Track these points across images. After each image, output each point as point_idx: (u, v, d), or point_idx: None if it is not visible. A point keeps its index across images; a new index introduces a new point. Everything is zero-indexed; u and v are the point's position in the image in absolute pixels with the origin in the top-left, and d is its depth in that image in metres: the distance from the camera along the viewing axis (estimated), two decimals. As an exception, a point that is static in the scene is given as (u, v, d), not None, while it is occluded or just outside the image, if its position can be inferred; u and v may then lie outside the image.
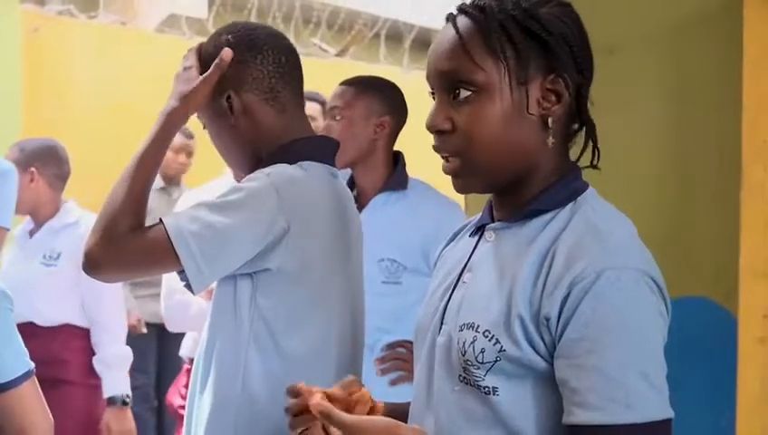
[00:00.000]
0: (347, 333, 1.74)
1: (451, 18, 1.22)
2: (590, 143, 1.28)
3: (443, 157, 1.23)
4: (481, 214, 1.31)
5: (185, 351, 3.28)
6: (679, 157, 2.43)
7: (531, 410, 1.16)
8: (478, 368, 1.16)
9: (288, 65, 1.75)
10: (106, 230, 1.57)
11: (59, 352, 3.36)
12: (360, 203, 2.44)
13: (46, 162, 3.43)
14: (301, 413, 1.22)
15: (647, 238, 2.42)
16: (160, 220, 1.56)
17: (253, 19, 5.87)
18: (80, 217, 3.40)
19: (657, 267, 1.17)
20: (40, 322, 3.37)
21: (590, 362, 1.09)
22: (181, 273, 1.56)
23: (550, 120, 1.19)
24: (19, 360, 1.91)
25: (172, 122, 1.68)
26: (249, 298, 1.64)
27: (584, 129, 1.27)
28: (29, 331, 3.36)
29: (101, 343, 3.35)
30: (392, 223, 2.37)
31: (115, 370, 3.35)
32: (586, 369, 1.09)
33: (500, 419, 1.16)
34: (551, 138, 1.20)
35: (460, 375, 1.19)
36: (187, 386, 3.12)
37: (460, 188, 1.25)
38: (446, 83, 1.21)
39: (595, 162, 1.27)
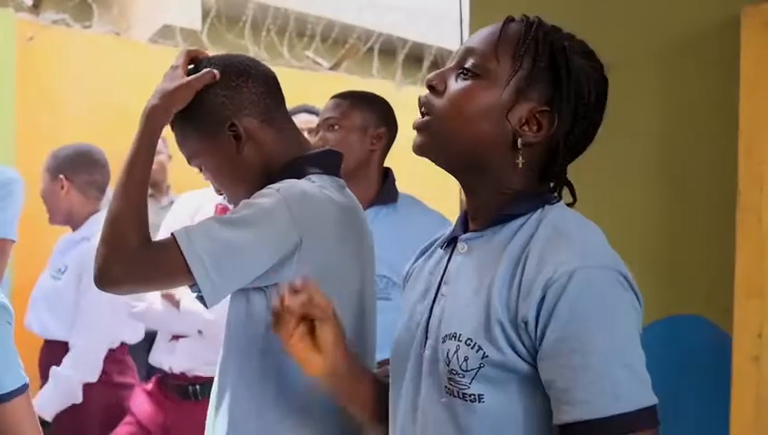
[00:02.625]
0: (358, 345, 1.74)
1: (507, 19, 1.31)
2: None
3: (421, 112, 1.31)
4: (453, 227, 1.37)
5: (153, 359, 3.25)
6: (675, 176, 2.45)
7: (517, 414, 1.20)
8: (463, 376, 1.20)
9: (274, 85, 1.77)
10: (115, 245, 1.55)
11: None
12: None
13: (76, 169, 3.35)
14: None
15: (643, 256, 2.45)
16: (172, 235, 1.55)
17: (247, 32, 5.89)
18: (97, 230, 3.34)
19: (624, 264, 1.22)
20: (42, 334, 3.36)
21: (574, 360, 1.14)
22: (193, 286, 1.56)
23: (519, 141, 1.25)
24: (14, 374, 1.89)
25: (154, 120, 1.65)
26: (264, 312, 1.63)
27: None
28: (34, 343, 3.37)
29: (65, 359, 3.26)
30: (382, 238, 2.38)
31: (51, 388, 3.23)
32: (571, 367, 1.14)
33: (487, 426, 1.20)
34: (520, 158, 1.25)
35: (446, 386, 1.23)
36: (150, 394, 3.13)
37: (416, 145, 1.30)
38: (464, 57, 1.29)
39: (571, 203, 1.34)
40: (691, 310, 2.40)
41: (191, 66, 1.73)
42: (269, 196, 1.61)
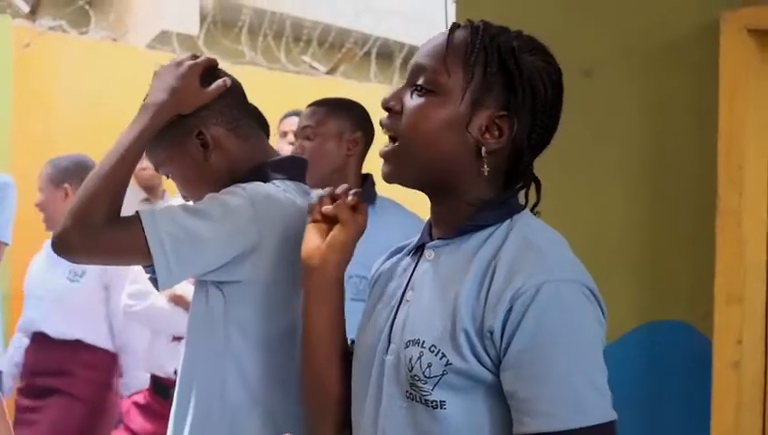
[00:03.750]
0: None
1: (452, 27, 1.30)
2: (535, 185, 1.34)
3: (388, 136, 1.31)
4: (420, 234, 1.37)
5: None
6: (655, 181, 2.44)
7: (479, 423, 1.20)
8: (425, 383, 1.20)
9: (241, 94, 1.80)
10: (82, 216, 1.55)
11: (66, 365, 3.38)
12: None
13: (80, 178, 3.42)
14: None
15: (623, 261, 2.45)
16: (137, 213, 1.56)
17: (243, 36, 5.91)
18: None
19: (590, 277, 1.23)
20: (52, 333, 3.41)
21: (537, 371, 1.14)
22: (148, 267, 1.58)
23: (483, 150, 1.25)
24: None
25: (160, 115, 1.66)
26: (223, 309, 1.66)
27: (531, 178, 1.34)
28: (39, 340, 3.43)
29: (126, 367, 3.37)
30: (361, 240, 2.41)
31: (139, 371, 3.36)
32: (534, 379, 1.14)
33: (448, 433, 1.20)
34: (485, 166, 1.25)
35: (407, 392, 1.23)
36: (142, 406, 3.16)
37: (386, 173, 1.31)
38: (415, 75, 1.29)
39: (532, 208, 1.34)
40: (672, 315, 2.39)
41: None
42: (235, 193, 1.65)
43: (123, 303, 3.16)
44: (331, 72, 6.10)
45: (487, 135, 1.26)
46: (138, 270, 3.13)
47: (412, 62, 1.31)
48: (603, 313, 1.22)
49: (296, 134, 2.68)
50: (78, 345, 3.41)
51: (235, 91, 1.77)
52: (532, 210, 1.33)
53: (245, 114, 1.79)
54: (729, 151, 2.24)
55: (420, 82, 1.27)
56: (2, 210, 3.16)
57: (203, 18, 6.19)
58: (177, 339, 3.09)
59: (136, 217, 1.56)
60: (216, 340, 1.66)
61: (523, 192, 1.34)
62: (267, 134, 2.47)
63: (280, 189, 1.71)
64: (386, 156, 1.30)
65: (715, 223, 2.25)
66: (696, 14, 2.35)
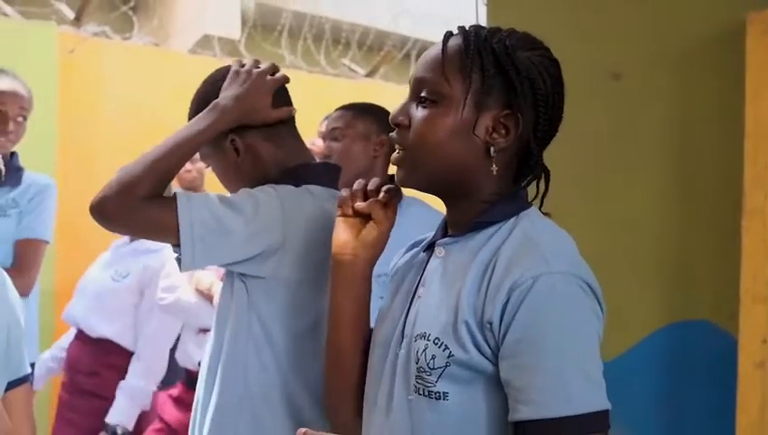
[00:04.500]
0: None
1: (446, 36, 1.33)
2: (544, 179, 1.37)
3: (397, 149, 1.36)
4: (434, 232, 1.42)
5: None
6: (682, 182, 2.46)
7: (480, 412, 1.24)
8: (430, 374, 1.25)
9: (281, 98, 1.84)
10: (125, 188, 1.62)
11: (94, 365, 3.46)
12: None
13: None
14: None
15: (650, 261, 2.47)
16: (174, 195, 1.63)
17: (284, 40, 5.97)
18: (163, 245, 3.40)
19: (591, 273, 1.26)
20: (88, 331, 3.50)
21: (530, 361, 1.18)
22: (176, 247, 1.64)
23: (492, 150, 1.29)
24: (20, 365, 1.95)
25: (223, 121, 1.74)
26: (246, 301, 1.72)
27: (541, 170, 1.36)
28: (80, 337, 3.53)
29: (131, 371, 3.44)
30: (389, 239, 2.45)
31: (126, 400, 3.40)
32: (527, 368, 1.18)
33: (450, 423, 1.25)
34: (494, 165, 1.30)
35: (414, 385, 1.28)
36: (177, 399, 3.22)
37: (399, 179, 1.37)
38: (417, 88, 1.33)
39: (542, 198, 1.37)
40: (699, 315, 2.41)
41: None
42: (267, 192, 1.71)
43: (157, 296, 3.25)
44: (370, 74, 6.13)
45: (495, 135, 1.30)
46: (171, 266, 3.21)
47: (412, 75, 1.35)
48: (601, 306, 1.25)
49: (324, 136, 2.74)
50: (109, 345, 3.48)
51: (275, 97, 1.82)
52: (542, 200, 1.36)
53: (285, 120, 1.84)
54: (755, 152, 2.25)
55: (423, 94, 1.31)
56: (43, 210, 3.23)
57: (244, 22, 6.27)
58: (204, 331, 3.17)
59: (173, 199, 1.63)
60: (240, 330, 1.72)
61: (534, 184, 1.37)
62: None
63: (310, 194, 1.77)
64: (398, 163, 1.35)
65: (741, 223, 2.26)
66: (722, 16, 2.36)
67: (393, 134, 1.36)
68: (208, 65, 1.82)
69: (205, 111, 1.75)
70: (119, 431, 3.36)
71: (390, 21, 6.46)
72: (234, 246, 1.65)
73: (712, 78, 2.39)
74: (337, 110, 2.73)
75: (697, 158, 2.42)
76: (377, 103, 2.77)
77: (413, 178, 1.35)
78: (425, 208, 2.68)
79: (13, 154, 3.22)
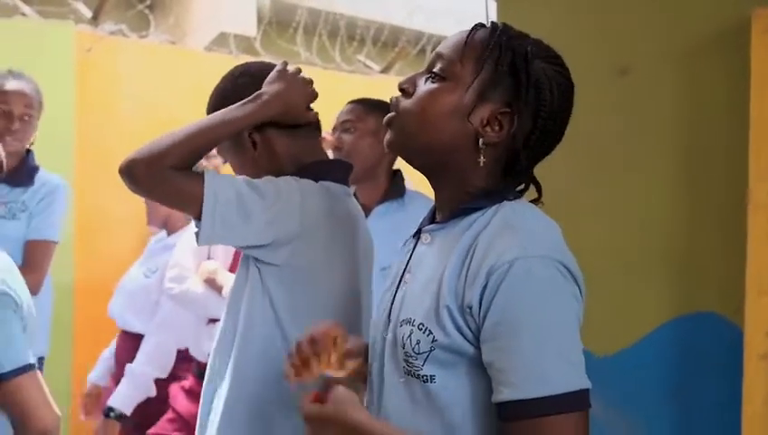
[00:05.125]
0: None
1: (476, 26, 1.38)
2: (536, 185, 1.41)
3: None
4: (422, 219, 1.46)
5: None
6: (688, 176, 2.48)
7: (466, 394, 1.28)
8: (416, 358, 1.29)
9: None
10: (156, 155, 1.66)
11: (132, 359, 3.53)
12: None
13: None
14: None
15: (658, 255, 2.49)
16: (203, 171, 1.68)
17: (299, 37, 6.00)
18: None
19: (570, 256, 1.27)
20: (124, 327, 3.58)
21: (508, 343, 1.20)
22: (196, 220, 1.68)
23: (481, 141, 1.32)
24: (15, 355, 2.04)
25: (260, 114, 1.79)
26: (261, 287, 1.77)
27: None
28: (121, 332, 3.61)
29: (137, 357, 3.49)
30: (393, 231, 2.48)
31: (128, 385, 3.45)
32: (506, 350, 1.20)
33: (438, 407, 1.28)
34: (481, 157, 1.33)
35: (404, 367, 1.32)
36: (188, 390, 3.27)
37: (386, 141, 1.40)
38: (433, 62, 1.37)
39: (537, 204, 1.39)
40: (706, 307, 2.43)
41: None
42: (289, 183, 1.76)
43: (165, 286, 3.29)
44: (385, 70, 6.15)
45: (488, 128, 1.33)
46: (177, 256, 3.26)
47: (434, 52, 1.39)
48: (580, 289, 1.27)
49: (335, 127, 2.77)
50: (141, 339, 3.55)
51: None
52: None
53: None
54: (759, 146, 2.27)
55: (436, 69, 1.35)
56: (52, 212, 3.30)
57: (260, 20, 6.31)
58: (213, 321, 3.20)
59: (200, 173, 1.67)
60: (254, 315, 1.77)
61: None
62: (319, 132, 2.59)
63: (326, 190, 1.83)
64: (387, 123, 1.39)
65: (747, 215, 2.28)
66: (727, 12, 2.38)
67: (393, 97, 1.39)
68: (224, 63, 1.86)
69: (247, 99, 1.79)
70: (111, 414, 3.41)
71: (405, 17, 6.49)
72: (252, 229, 1.69)
73: (718, 73, 2.41)
74: (349, 103, 2.77)
75: (704, 152, 2.45)
76: None
77: (399, 141, 1.38)
78: (428, 201, 2.72)
79: (28, 152, 3.29)
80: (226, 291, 3.10)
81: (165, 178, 1.66)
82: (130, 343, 3.58)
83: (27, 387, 2.04)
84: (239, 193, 1.67)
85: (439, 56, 1.36)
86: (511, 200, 1.35)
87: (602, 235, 2.59)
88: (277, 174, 1.83)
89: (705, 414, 2.41)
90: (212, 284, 3.16)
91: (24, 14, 4.89)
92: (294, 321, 1.76)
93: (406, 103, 1.37)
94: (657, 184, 2.52)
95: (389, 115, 1.39)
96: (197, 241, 1.70)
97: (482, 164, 1.33)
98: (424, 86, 1.36)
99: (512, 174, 1.37)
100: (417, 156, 1.39)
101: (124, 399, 3.44)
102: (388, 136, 1.40)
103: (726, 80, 2.38)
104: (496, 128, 1.33)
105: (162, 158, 1.65)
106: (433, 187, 1.42)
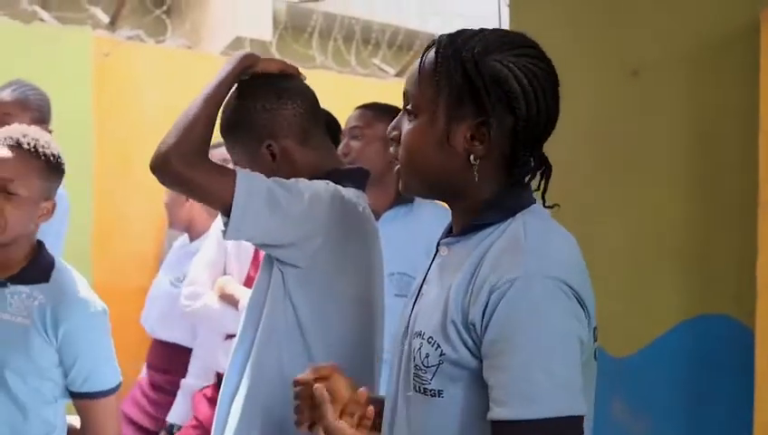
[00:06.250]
0: (364, 343, 1.87)
1: (426, 48, 1.36)
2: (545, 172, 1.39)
3: None
4: (443, 232, 1.45)
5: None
6: (700, 178, 2.48)
7: (474, 410, 1.26)
8: (425, 372, 1.28)
9: (313, 106, 1.93)
10: (184, 145, 1.69)
11: (166, 364, 3.57)
12: None
13: None
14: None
15: (671, 257, 2.50)
16: (235, 168, 1.71)
17: (315, 41, 6.03)
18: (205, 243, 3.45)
19: (578, 275, 1.25)
20: (155, 336, 3.60)
21: (501, 361, 1.19)
22: (225, 216, 1.70)
23: (472, 157, 1.31)
24: (111, 372, 2.08)
25: (242, 64, 1.84)
26: (283, 291, 1.78)
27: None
28: (153, 341, 3.63)
29: (189, 370, 3.50)
30: (401, 237, 2.50)
31: (184, 399, 3.46)
32: (499, 368, 1.20)
33: (445, 418, 1.27)
34: (475, 172, 1.31)
35: (413, 382, 1.31)
36: (210, 399, 3.29)
37: (401, 189, 1.41)
38: (404, 102, 1.38)
39: (542, 194, 1.38)
40: (719, 309, 2.43)
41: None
42: (322, 186, 1.79)
43: (181, 303, 3.30)
44: (399, 74, 6.17)
45: (474, 142, 1.31)
46: (192, 273, 3.28)
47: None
48: (584, 309, 1.24)
49: (344, 133, 2.77)
50: (177, 348, 3.57)
51: (308, 101, 1.92)
52: (543, 196, 1.37)
53: (316, 124, 1.93)
54: (770, 147, 2.28)
55: (409, 107, 1.36)
56: (50, 223, 3.32)
57: (275, 24, 6.34)
58: (230, 337, 3.22)
59: (233, 169, 1.70)
60: (276, 317, 1.79)
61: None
62: (338, 137, 2.60)
63: (351, 194, 1.86)
64: (398, 173, 1.40)
65: (757, 216, 2.29)
66: (737, 14, 2.39)
67: (391, 148, 1.41)
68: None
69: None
70: (174, 431, 3.41)
71: (420, 20, 6.50)
72: (279, 227, 1.71)
73: (728, 74, 2.42)
74: (357, 108, 2.77)
75: (715, 153, 2.45)
76: None
77: (410, 187, 1.40)
78: (435, 208, 2.73)
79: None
80: (243, 304, 3.11)
81: (199, 166, 1.68)
82: (162, 351, 3.60)
83: (111, 407, 2.07)
84: (270, 189, 1.70)
85: (405, 94, 1.37)
86: (524, 209, 1.32)
87: (615, 236, 2.60)
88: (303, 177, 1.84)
89: (718, 416, 2.41)
90: (229, 299, 3.18)
91: (42, 20, 4.93)
92: (315, 326, 1.78)
93: (398, 151, 1.38)
94: (670, 186, 2.53)
95: (397, 167, 1.40)
96: (225, 235, 1.71)
97: (476, 179, 1.32)
98: (405, 128, 1.36)
99: (517, 172, 1.34)
100: (426, 191, 1.41)
101: (182, 412, 3.45)
102: (401, 185, 1.41)
103: (737, 80, 2.39)
104: (482, 138, 1.31)
105: (192, 144, 1.68)
106: (449, 205, 1.42)
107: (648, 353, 2.59)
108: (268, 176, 1.87)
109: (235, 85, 1.89)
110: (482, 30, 1.34)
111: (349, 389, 1.45)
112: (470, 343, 1.24)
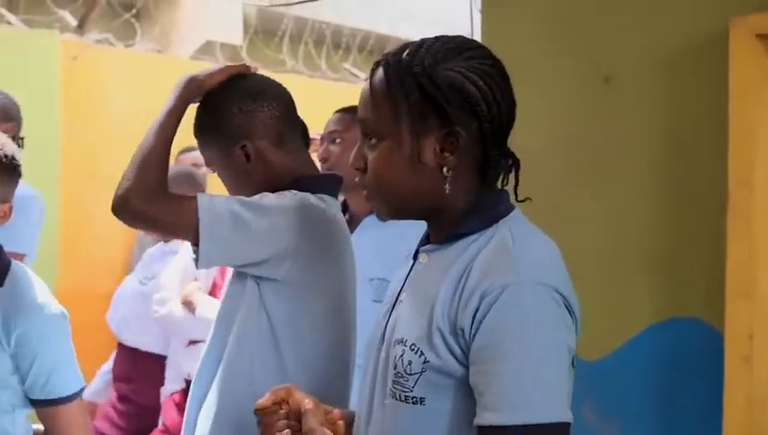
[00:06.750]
0: (337, 353, 1.87)
1: (372, 70, 1.34)
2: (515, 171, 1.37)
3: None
4: (420, 239, 1.43)
5: None
6: (670, 182, 2.50)
7: (457, 418, 1.25)
8: (407, 380, 1.27)
9: (290, 109, 1.91)
10: (143, 182, 1.68)
11: (130, 372, 3.53)
12: (352, 227, 2.58)
13: (177, 188, 3.51)
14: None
15: (641, 260, 2.52)
16: (197, 195, 1.69)
17: (285, 45, 6.03)
18: (182, 247, 3.43)
19: (567, 284, 1.26)
20: (121, 340, 3.57)
21: (491, 367, 1.19)
22: (195, 245, 1.69)
23: (445, 169, 1.30)
24: (72, 377, 2.01)
25: (189, 89, 1.81)
26: (258, 302, 1.77)
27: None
28: (119, 345, 3.59)
29: (167, 377, 3.48)
30: (381, 243, 2.48)
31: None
32: (488, 374, 1.19)
33: (426, 427, 1.26)
34: (447, 185, 1.30)
35: (391, 389, 1.29)
36: (178, 405, 3.28)
37: (376, 216, 1.39)
38: (362, 129, 1.35)
39: (512, 190, 1.37)
40: (689, 312, 2.45)
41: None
42: (286, 197, 1.77)
43: (152, 308, 3.31)
44: (370, 78, 6.18)
45: (445, 154, 1.29)
46: (164, 279, 3.27)
47: (357, 119, 1.37)
48: (574, 317, 1.25)
49: (323, 138, 2.76)
50: (143, 353, 3.54)
51: (285, 105, 1.89)
52: (515, 192, 1.35)
53: (291, 128, 1.90)
54: (739, 152, 2.30)
55: (369, 134, 1.33)
56: (22, 223, 3.27)
57: (246, 28, 6.33)
58: (193, 343, 3.23)
59: (194, 198, 1.68)
60: (249, 329, 1.78)
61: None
62: (308, 145, 2.60)
63: (324, 202, 1.84)
64: (368, 199, 1.38)
65: (726, 220, 2.31)
66: (707, 21, 2.40)
67: (357, 179, 1.38)
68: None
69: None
70: None
71: (390, 26, 6.52)
72: (250, 248, 1.71)
73: (698, 81, 2.44)
74: (336, 112, 2.75)
75: (685, 158, 2.47)
76: None
77: (385, 213, 1.38)
78: None
79: None
80: (199, 311, 3.12)
81: (159, 202, 1.68)
82: (126, 358, 3.56)
83: (76, 413, 2.01)
84: (233, 212, 1.68)
85: (362, 121, 1.34)
86: (506, 216, 1.32)
87: (586, 240, 2.61)
88: (272, 186, 1.83)
89: (688, 419, 2.43)
90: (188, 306, 3.19)
91: (9, 23, 4.89)
92: (289, 337, 1.77)
93: (366, 180, 1.35)
94: (640, 190, 2.55)
95: (366, 196, 1.38)
96: (197, 265, 1.71)
97: (447, 191, 1.30)
98: (371, 156, 1.33)
99: (491, 173, 1.34)
100: (402, 214, 1.37)
101: None
102: (375, 213, 1.39)
103: (706, 87, 2.41)
104: (451, 148, 1.29)
105: (146, 181, 1.68)
106: (425, 220, 1.40)
107: (618, 357, 2.60)
108: (244, 180, 1.87)
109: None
110: (422, 41, 1.32)
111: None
112: (457, 350, 1.24)
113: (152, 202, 1.67)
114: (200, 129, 1.89)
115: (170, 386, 3.41)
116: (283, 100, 1.90)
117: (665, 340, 2.48)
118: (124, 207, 1.69)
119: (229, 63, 1.92)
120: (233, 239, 1.68)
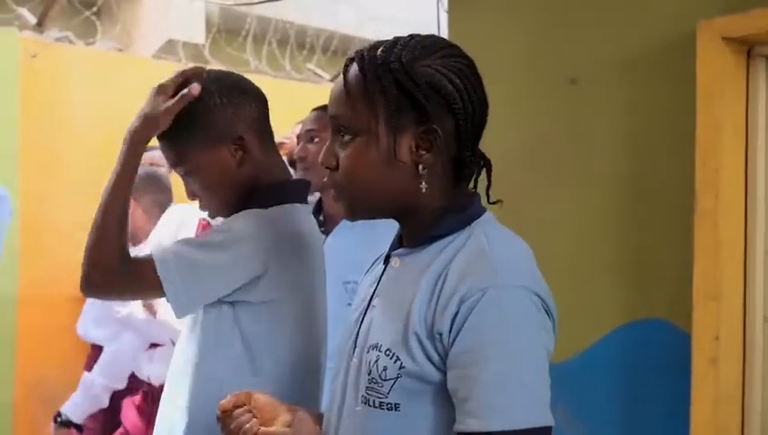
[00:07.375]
0: (313, 356, 1.85)
1: (345, 66, 1.31)
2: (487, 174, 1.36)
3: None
4: (391, 243, 1.41)
5: None
6: (637, 185, 2.52)
7: (432, 424, 1.23)
8: (382, 386, 1.25)
9: (266, 110, 1.84)
10: (98, 257, 1.65)
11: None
12: (327, 228, 2.55)
13: (145, 190, 3.47)
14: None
15: (608, 263, 2.52)
16: (151, 255, 1.66)
17: (249, 45, 5.98)
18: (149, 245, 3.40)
19: (544, 286, 1.25)
20: (85, 338, 3.54)
21: (472, 372, 1.16)
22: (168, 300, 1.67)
23: (420, 167, 1.28)
24: None
25: (136, 143, 1.69)
26: (232, 324, 1.74)
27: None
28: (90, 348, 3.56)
29: (95, 367, 3.46)
30: (357, 246, 2.46)
31: (80, 394, 3.44)
32: (469, 379, 1.17)
33: (399, 433, 1.24)
34: (423, 183, 1.28)
35: (363, 396, 1.27)
36: (138, 407, 3.25)
37: (344, 216, 1.36)
38: (335, 126, 1.33)
39: (484, 193, 1.36)
40: (656, 314, 2.46)
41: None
42: (243, 223, 1.71)
43: (114, 308, 3.28)
44: (335, 78, 6.16)
45: (421, 151, 1.28)
46: None
47: (329, 116, 1.34)
48: (552, 320, 1.24)
49: (299, 137, 2.73)
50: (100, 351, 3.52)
51: (263, 103, 1.82)
52: (487, 193, 1.35)
53: (269, 128, 1.84)
54: (706, 156, 2.31)
55: (342, 131, 1.31)
56: None
57: (208, 27, 6.27)
58: (153, 346, 3.21)
59: (150, 259, 1.65)
60: (221, 350, 1.74)
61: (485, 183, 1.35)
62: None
63: (297, 212, 1.81)
64: (337, 201, 1.35)
65: (693, 224, 2.33)
66: (674, 24, 2.42)
67: (325, 179, 1.36)
68: (173, 70, 1.80)
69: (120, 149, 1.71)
70: (58, 420, 3.39)
71: (355, 25, 6.50)
72: (218, 284, 1.69)
73: (665, 83, 2.45)
74: (313, 110, 2.72)
75: (652, 161, 2.48)
76: None
77: (355, 213, 1.35)
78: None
79: None
80: (161, 314, 3.10)
81: (119, 274, 1.65)
82: (97, 356, 3.53)
83: None
84: (192, 261, 1.65)
85: (334, 118, 1.32)
86: (478, 218, 1.31)
87: (553, 242, 2.61)
88: (251, 190, 1.78)
89: (655, 419, 2.44)
90: (149, 308, 3.17)
91: (-34, 21, 4.81)
92: (266, 353, 1.75)
93: (337, 178, 1.32)
94: (607, 192, 2.56)
95: (335, 195, 1.35)
96: (176, 315, 1.69)
97: (424, 190, 1.28)
98: (343, 153, 1.31)
99: (466, 172, 1.32)
100: (375, 213, 1.34)
101: (74, 407, 3.41)
102: (343, 212, 1.36)
103: (673, 90, 2.43)
104: (427, 146, 1.28)
105: (106, 258, 1.65)
106: (398, 221, 1.38)
107: (585, 358, 2.61)
108: (230, 178, 1.77)
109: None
110: (396, 39, 1.30)
111: (271, 404, 1.42)
112: (434, 355, 1.22)
113: (115, 275, 1.65)
114: (176, 129, 1.74)
115: (99, 378, 3.42)
116: (261, 97, 1.83)
117: (632, 341, 2.50)
118: (90, 287, 1.68)
119: (175, 100, 1.71)
120: (199, 284, 1.66)
